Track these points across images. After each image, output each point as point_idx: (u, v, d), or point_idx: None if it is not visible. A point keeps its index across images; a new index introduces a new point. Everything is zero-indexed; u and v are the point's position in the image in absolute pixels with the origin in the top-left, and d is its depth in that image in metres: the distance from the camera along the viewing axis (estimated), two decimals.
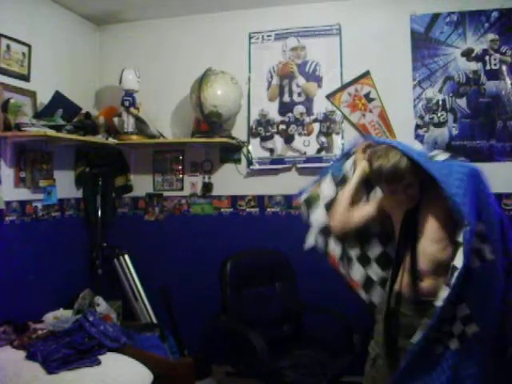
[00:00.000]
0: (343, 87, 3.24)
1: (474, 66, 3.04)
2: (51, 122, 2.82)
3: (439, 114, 3.10)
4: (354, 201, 2.06)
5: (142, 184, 3.58)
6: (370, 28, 3.19)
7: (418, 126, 3.12)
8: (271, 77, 3.36)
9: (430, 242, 1.85)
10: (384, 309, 1.99)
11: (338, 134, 3.25)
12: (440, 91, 3.10)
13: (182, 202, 3.50)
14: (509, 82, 2.99)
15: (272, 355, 2.59)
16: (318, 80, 3.29)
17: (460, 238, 1.60)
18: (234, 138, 3.28)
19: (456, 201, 1.62)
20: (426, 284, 1.86)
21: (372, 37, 3.18)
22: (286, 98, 3.33)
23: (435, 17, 3.10)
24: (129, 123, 3.24)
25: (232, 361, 2.91)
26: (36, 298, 2.91)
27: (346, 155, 2.17)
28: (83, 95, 3.43)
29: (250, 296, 3.01)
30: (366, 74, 3.20)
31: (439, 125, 3.10)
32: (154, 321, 3.28)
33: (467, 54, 3.05)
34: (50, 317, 2.77)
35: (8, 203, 2.79)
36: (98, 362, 2.35)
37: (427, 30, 3.11)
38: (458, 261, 1.57)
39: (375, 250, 2.17)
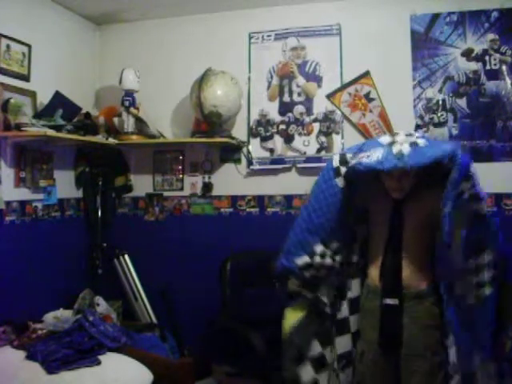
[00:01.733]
0: (343, 87, 3.24)
1: (474, 66, 3.04)
2: (51, 122, 2.82)
3: (439, 114, 3.10)
4: None
5: (141, 184, 3.58)
6: (369, 28, 3.19)
7: (418, 126, 3.12)
8: (271, 77, 3.36)
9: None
10: (377, 304, 2.02)
11: (337, 133, 3.25)
12: (440, 91, 3.10)
13: (181, 201, 3.50)
14: (509, 81, 2.99)
15: (272, 355, 2.59)
16: (318, 80, 3.29)
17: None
18: (234, 138, 3.28)
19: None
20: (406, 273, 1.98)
21: (372, 37, 3.18)
22: (286, 98, 3.33)
23: (435, 17, 3.09)
24: (129, 123, 3.24)
25: (232, 361, 2.91)
26: (36, 298, 2.91)
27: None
28: (83, 95, 3.43)
29: (250, 296, 3.01)
30: (366, 74, 3.20)
31: (439, 125, 3.10)
32: (154, 321, 3.28)
33: (467, 54, 3.05)
34: (50, 317, 2.77)
35: (8, 203, 2.79)
36: (98, 362, 2.35)
37: (427, 30, 3.11)
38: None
39: None
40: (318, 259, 2.05)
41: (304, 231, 2.06)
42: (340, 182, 2.03)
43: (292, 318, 2.16)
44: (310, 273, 2.07)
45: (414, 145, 1.86)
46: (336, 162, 2.05)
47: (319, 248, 2.05)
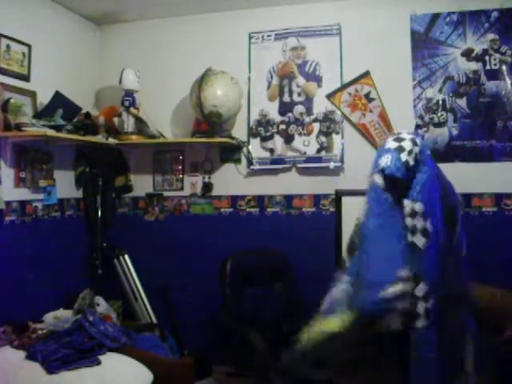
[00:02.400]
0: (343, 87, 3.24)
1: (474, 66, 3.04)
2: (51, 122, 2.82)
3: (439, 114, 3.10)
4: None
5: (141, 184, 3.58)
6: (369, 28, 3.19)
7: (418, 126, 3.12)
8: (271, 77, 3.36)
9: None
10: None
11: (337, 133, 3.25)
12: (440, 91, 3.10)
13: (181, 201, 3.50)
14: (509, 81, 2.99)
15: (272, 355, 2.59)
16: (318, 80, 3.29)
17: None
18: (234, 138, 3.28)
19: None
20: None
21: (372, 37, 3.18)
22: (286, 98, 3.33)
23: (435, 17, 3.10)
24: (129, 123, 3.24)
25: (232, 361, 2.91)
26: (36, 298, 2.90)
27: None
28: (83, 95, 3.43)
29: (250, 296, 3.01)
30: (366, 74, 3.20)
31: (439, 125, 3.10)
32: (154, 321, 3.28)
33: (467, 54, 3.05)
34: (50, 317, 2.77)
35: (8, 203, 2.79)
36: (98, 362, 2.35)
37: (427, 30, 3.11)
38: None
39: None
40: (406, 285, 1.79)
41: (382, 260, 1.84)
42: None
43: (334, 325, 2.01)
44: (400, 303, 1.80)
45: (417, 157, 1.83)
46: (382, 182, 1.84)
47: (403, 272, 1.80)
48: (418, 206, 1.74)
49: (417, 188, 1.76)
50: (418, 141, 1.87)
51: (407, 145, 1.84)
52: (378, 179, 1.85)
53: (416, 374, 1.72)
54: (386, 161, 1.82)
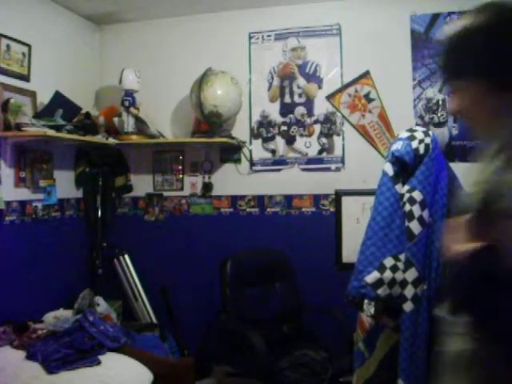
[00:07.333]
0: (343, 88, 3.24)
1: None
2: (51, 122, 2.82)
3: (439, 114, 3.10)
4: None
5: (142, 184, 3.58)
6: (369, 28, 3.19)
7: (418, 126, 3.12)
8: (272, 78, 3.36)
9: None
10: None
11: (338, 135, 3.25)
12: (440, 91, 3.10)
13: (182, 201, 3.50)
14: None
15: (272, 355, 2.60)
16: (319, 81, 3.29)
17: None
18: (234, 138, 3.28)
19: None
20: None
21: (372, 37, 3.18)
22: (287, 99, 3.33)
23: (435, 17, 3.10)
24: (129, 123, 3.24)
25: (232, 361, 2.91)
26: (36, 298, 2.91)
27: None
28: (83, 95, 3.43)
29: (250, 296, 3.01)
30: (366, 74, 3.20)
31: (439, 125, 3.10)
32: (154, 321, 3.28)
33: None
34: (50, 317, 2.77)
35: (8, 203, 2.79)
36: (98, 362, 2.35)
37: (427, 29, 3.11)
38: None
39: None
40: (388, 273, 1.84)
41: (370, 246, 1.89)
42: (399, 188, 1.88)
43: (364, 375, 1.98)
44: (384, 291, 1.86)
45: (427, 148, 1.84)
46: (391, 171, 1.89)
47: (389, 261, 1.86)
48: (417, 194, 1.76)
49: (419, 177, 1.78)
50: (431, 133, 1.90)
51: (419, 134, 1.87)
52: (387, 167, 1.90)
53: (402, 354, 1.74)
54: (396, 146, 1.85)
